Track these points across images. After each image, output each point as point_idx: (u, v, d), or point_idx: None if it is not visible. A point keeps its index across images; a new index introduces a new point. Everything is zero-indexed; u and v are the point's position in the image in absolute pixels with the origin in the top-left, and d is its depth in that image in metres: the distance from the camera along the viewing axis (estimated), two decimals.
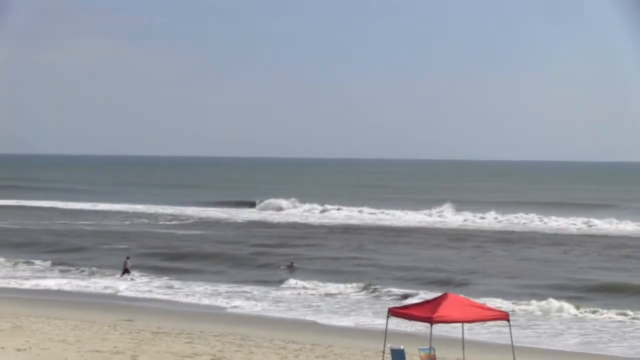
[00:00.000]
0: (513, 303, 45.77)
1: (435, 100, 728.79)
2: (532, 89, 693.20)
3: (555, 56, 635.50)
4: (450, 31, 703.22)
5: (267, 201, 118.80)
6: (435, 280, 54.45)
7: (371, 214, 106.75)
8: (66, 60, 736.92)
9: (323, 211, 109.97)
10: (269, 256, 65.67)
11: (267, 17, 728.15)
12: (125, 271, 56.29)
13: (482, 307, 29.82)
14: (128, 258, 58.37)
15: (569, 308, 44.63)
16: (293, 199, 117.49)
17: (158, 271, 58.28)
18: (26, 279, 55.12)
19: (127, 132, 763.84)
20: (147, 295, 49.88)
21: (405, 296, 48.10)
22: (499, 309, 32.43)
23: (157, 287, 52.47)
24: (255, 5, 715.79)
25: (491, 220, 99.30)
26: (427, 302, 29.41)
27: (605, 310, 44.18)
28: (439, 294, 30.31)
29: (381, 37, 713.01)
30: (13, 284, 53.19)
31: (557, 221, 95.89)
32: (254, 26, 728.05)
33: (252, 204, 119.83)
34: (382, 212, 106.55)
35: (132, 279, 55.01)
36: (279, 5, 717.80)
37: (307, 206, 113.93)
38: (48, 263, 61.25)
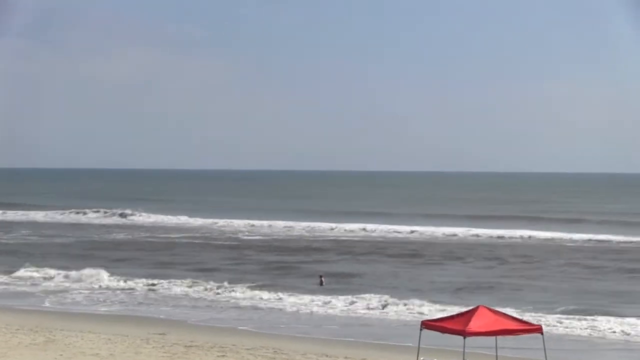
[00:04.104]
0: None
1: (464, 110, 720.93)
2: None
3: (588, 65, 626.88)
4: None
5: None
6: None
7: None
8: (113, 71, 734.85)
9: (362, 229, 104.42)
10: (299, 269, 65.60)
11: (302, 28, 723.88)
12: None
13: (515, 319, 29.71)
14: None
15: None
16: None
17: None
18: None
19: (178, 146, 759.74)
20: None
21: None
22: (531, 322, 32.23)
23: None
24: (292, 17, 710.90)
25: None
26: (460, 314, 29.31)
27: None
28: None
29: (415, 44, 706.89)
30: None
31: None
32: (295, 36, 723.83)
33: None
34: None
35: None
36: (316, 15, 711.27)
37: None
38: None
